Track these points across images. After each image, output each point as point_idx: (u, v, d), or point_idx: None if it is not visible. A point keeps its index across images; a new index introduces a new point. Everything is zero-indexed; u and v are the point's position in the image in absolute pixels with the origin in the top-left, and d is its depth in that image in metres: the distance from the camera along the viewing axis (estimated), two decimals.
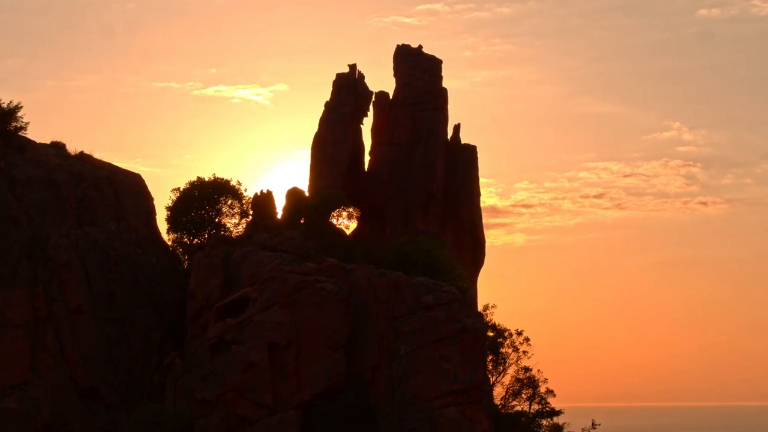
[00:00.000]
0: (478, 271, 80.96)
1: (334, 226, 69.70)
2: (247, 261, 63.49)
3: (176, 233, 73.08)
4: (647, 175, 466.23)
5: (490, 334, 76.45)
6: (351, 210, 71.18)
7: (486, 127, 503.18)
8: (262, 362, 57.97)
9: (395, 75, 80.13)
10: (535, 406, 79.67)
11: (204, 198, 73.35)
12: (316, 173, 75.66)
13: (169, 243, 73.11)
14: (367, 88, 78.07)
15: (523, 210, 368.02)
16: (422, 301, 59.22)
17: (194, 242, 72.12)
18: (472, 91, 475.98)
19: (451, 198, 79.28)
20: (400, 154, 77.73)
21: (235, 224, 73.76)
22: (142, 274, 67.97)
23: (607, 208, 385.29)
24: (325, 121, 76.72)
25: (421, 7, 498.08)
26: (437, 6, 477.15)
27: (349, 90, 77.31)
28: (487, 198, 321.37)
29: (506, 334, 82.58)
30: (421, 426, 57.10)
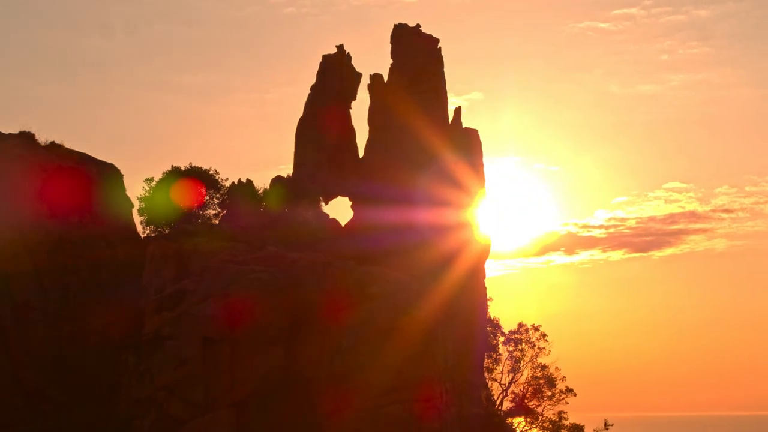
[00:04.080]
0: (483, 263, 76.21)
1: (297, 214, 65.72)
2: (197, 252, 60.11)
3: (152, 225, 69.95)
4: None
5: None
6: (314, 198, 67.19)
7: (683, 131, 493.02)
8: (195, 358, 54.26)
9: (392, 56, 76.00)
10: (556, 406, 75.99)
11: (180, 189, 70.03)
12: (299, 160, 71.89)
13: (145, 236, 69.99)
14: (354, 69, 74.06)
15: (724, 215, 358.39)
16: (366, 291, 55.04)
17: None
18: (669, 95, 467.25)
19: (452, 185, 74.74)
20: (395, 139, 73.51)
21: (213, 215, 70.46)
22: (104, 268, 64.87)
23: None
24: (309, 105, 72.89)
25: (617, 11, 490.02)
26: (633, 10, 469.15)
27: (334, 72, 73.36)
28: (687, 203, 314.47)
29: (522, 329, 78.75)
30: (364, 426, 53.07)
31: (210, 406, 53.76)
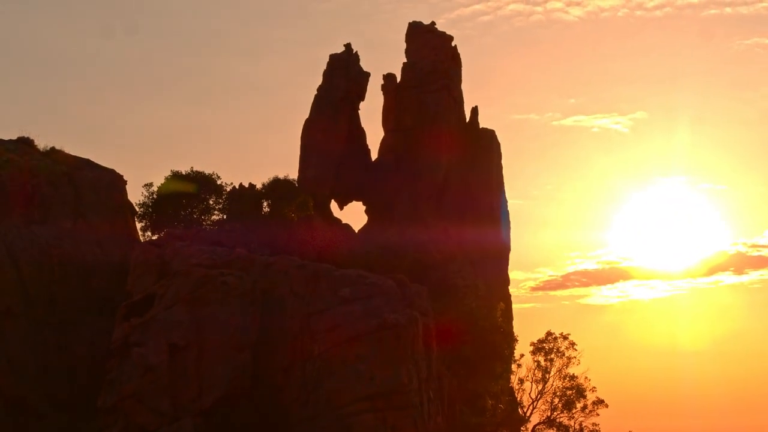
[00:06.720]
0: (506, 267, 73.13)
1: (284, 217, 63.35)
2: (177, 257, 58.07)
3: (152, 231, 68.26)
4: None
5: None
6: (303, 199, 64.76)
7: None
8: (161, 365, 52.16)
9: (406, 54, 73.42)
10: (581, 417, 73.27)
11: (182, 194, 68.26)
12: (305, 163, 69.56)
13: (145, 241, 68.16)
14: (361, 69, 71.50)
15: None
16: (339, 295, 52.45)
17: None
18: None
19: (468, 187, 71.84)
20: (406, 140, 70.84)
21: (216, 220, 68.50)
22: (96, 275, 63.11)
23: None
24: (315, 107, 70.47)
25: None
26: None
27: (341, 72, 70.83)
28: None
29: (551, 338, 75.89)
30: None
31: (176, 415, 51.70)
